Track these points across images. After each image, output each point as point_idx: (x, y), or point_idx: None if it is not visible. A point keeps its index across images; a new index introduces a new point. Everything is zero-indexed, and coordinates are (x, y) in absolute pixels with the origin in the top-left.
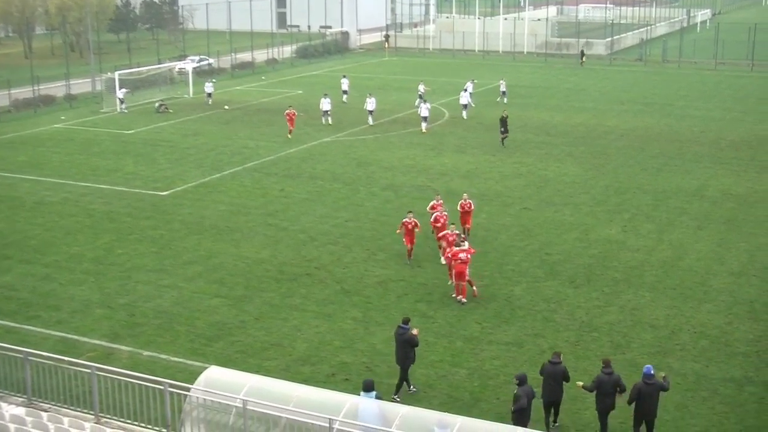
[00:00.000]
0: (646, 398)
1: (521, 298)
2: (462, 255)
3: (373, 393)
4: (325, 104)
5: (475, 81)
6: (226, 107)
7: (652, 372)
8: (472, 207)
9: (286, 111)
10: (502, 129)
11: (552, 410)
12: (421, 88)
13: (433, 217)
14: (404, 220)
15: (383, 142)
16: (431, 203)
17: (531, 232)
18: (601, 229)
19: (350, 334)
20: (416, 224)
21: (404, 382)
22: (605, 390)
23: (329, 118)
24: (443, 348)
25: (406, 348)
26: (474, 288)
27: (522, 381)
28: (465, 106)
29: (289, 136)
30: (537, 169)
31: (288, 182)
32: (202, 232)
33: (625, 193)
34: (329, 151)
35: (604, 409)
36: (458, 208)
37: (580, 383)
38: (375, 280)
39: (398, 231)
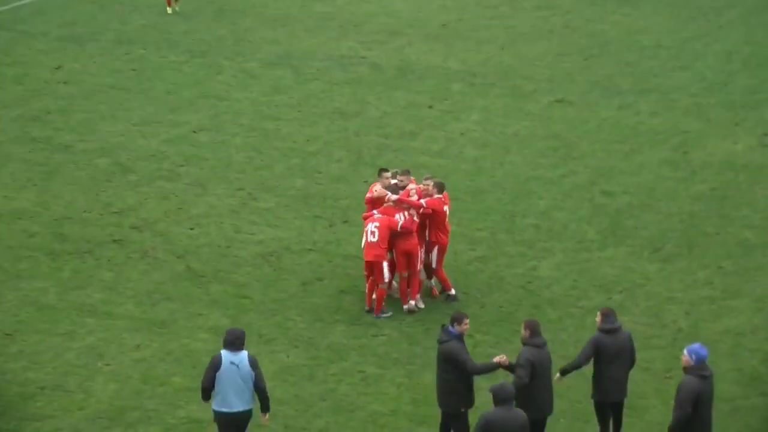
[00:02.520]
0: (705, 404)
1: (553, 283)
2: (399, 217)
3: (244, 353)
4: None
5: None
6: None
7: (707, 356)
8: (446, 206)
9: None
10: None
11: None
12: None
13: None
14: (376, 217)
15: None
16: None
17: (572, 150)
18: (715, 142)
19: (205, 361)
20: (411, 222)
21: None
22: (610, 361)
23: None
24: (397, 386)
25: (446, 371)
26: (431, 283)
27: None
28: None
29: (169, 8)
30: (583, 19)
31: (71, 51)
32: None
33: None
34: None
35: (611, 396)
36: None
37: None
38: (255, 249)
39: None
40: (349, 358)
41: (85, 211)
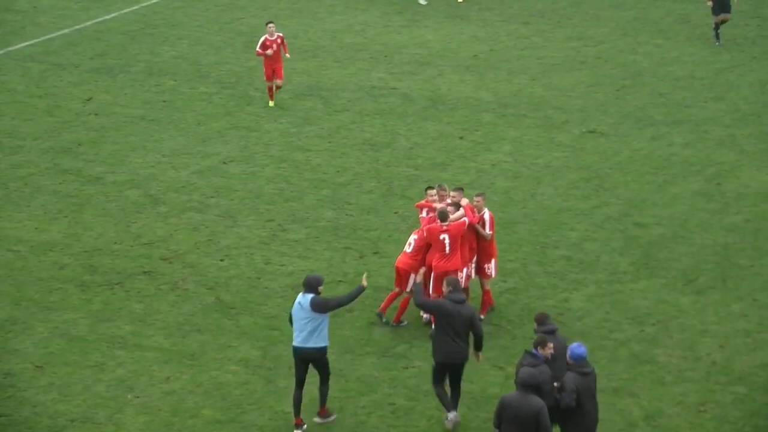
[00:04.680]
0: (587, 398)
1: (586, 315)
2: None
3: (311, 295)
4: None
5: None
6: None
7: (585, 354)
8: (487, 223)
9: (267, 38)
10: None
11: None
12: None
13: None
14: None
15: None
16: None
17: (604, 181)
18: (749, 173)
19: (235, 393)
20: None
21: None
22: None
23: None
24: (427, 419)
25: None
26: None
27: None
28: None
29: (271, 102)
30: (615, 50)
31: (102, 82)
32: None
33: None
34: (179, 14)
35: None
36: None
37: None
38: (286, 281)
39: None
40: (380, 390)
41: (115, 243)
